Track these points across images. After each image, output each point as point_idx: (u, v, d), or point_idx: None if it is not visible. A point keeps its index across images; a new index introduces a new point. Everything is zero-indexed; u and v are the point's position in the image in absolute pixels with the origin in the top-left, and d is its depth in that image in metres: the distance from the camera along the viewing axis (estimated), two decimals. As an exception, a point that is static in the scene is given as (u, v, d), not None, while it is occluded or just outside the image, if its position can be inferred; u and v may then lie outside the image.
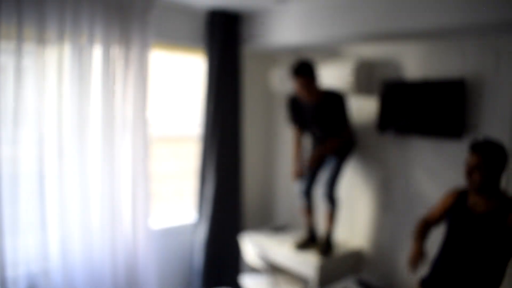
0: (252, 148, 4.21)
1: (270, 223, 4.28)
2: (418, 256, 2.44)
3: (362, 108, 3.50)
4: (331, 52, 3.72)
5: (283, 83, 3.81)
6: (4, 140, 2.75)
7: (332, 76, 3.39)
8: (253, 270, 3.84)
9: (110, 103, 3.17)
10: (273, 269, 3.50)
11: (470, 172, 2.23)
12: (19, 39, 2.71)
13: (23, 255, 2.86)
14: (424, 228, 2.54)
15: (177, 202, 3.97)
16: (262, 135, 4.36)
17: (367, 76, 3.38)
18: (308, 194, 3.44)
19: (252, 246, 3.60)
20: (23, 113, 2.80)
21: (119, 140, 3.24)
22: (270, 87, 4.08)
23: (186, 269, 3.87)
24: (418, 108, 3.07)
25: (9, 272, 2.79)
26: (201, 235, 3.77)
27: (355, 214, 3.61)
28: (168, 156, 3.88)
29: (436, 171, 3.09)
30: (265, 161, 4.40)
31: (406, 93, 3.15)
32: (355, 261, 3.52)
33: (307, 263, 3.26)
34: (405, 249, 3.21)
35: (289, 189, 4.16)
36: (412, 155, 3.23)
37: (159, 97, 3.65)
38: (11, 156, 2.79)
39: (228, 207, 3.85)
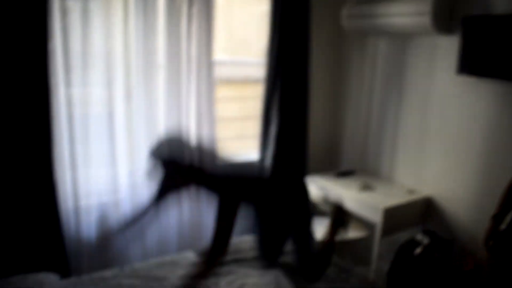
0: (319, 90, 4.04)
1: (335, 168, 4.19)
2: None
3: (441, 49, 3.19)
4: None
5: (354, 21, 3.55)
6: (75, 82, 2.89)
7: (407, 12, 3.09)
8: (317, 214, 3.84)
9: (176, 44, 3.18)
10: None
11: None
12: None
13: (95, 187, 3.09)
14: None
15: (240, 146, 3.98)
16: (330, 76, 4.16)
17: (447, 11, 3.03)
18: None
19: (317, 190, 3.57)
20: (91, 56, 2.91)
21: (185, 81, 3.27)
22: (340, 25, 3.83)
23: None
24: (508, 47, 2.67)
25: (83, 202, 3.04)
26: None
27: (426, 160, 3.40)
28: (231, 98, 3.86)
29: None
30: (333, 105, 4.23)
31: (494, 29, 2.74)
32: (422, 209, 3.36)
33: (372, 208, 3.19)
34: (477, 203, 3.02)
35: (356, 133, 4.02)
36: (494, 100, 2.91)
37: (224, 37, 3.58)
38: (82, 97, 2.95)
39: (292, 149, 3.80)
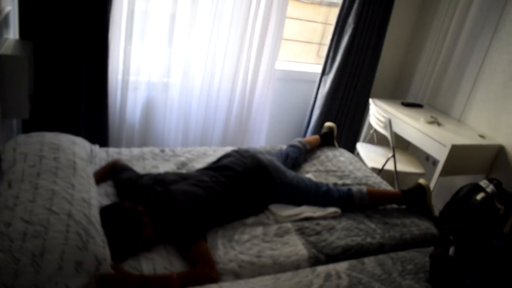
0: (400, 14, 3.62)
1: (401, 99, 3.84)
2: None
3: None
4: None
5: None
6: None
7: None
8: (372, 139, 3.58)
9: None
10: (396, 143, 3.18)
11: None
12: None
13: (147, 65, 2.91)
14: None
15: (306, 53, 3.69)
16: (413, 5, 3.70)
17: None
18: None
19: (378, 114, 3.28)
20: None
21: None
22: None
23: (298, 123, 3.74)
24: None
25: (132, 77, 2.88)
26: (325, 88, 3.51)
27: (506, 109, 3.00)
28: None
29: None
30: (412, 31, 3.79)
31: None
32: (491, 157, 3.03)
33: (438, 143, 2.90)
34: None
35: (432, 66, 3.61)
36: None
37: None
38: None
39: (360, 64, 3.48)
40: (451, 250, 1.68)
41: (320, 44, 3.79)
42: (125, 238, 1.58)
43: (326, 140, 2.94)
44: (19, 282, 1.25)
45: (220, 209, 1.87)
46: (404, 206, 2.37)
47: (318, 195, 2.18)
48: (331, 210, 2.14)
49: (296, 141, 2.72)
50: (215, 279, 1.58)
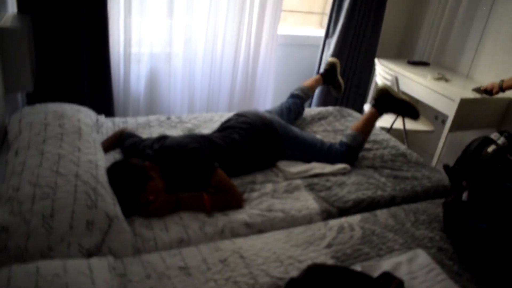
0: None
1: (408, 57, 3.77)
2: None
3: None
4: None
5: None
6: None
7: None
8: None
9: None
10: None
11: None
12: None
13: (148, 36, 2.88)
14: None
15: (309, 25, 3.63)
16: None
17: None
18: None
19: (384, 73, 3.23)
20: None
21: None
22: None
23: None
24: None
25: (134, 49, 2.85)
26: (329, 51, 3.45)
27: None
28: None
29: None
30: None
31: None
32: (501, 111, 2.98)
33: (447, 98, 2.85)
34: None
35: (437, 24, 3.53)
36: None
37: None
38: None
39: (364, 24, 3.41)
40: (464, 195, 1.66)
41: (322, 14, 3.71)
42: (130, 192, 1.58)
43: (329, 78, 2.83)
44: (31, 243, 1.25)
45: (225, 163, 1.87)
46: None
47: (324, 150, 2.17)
48: (341, 166, 2.12)
49: (296, 90, 2.68)
50: (240, 205, 1.73)
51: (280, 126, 2.14)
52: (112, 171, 1.63)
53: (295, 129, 2.20)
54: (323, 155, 2.16)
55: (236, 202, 1.72)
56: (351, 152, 2.20)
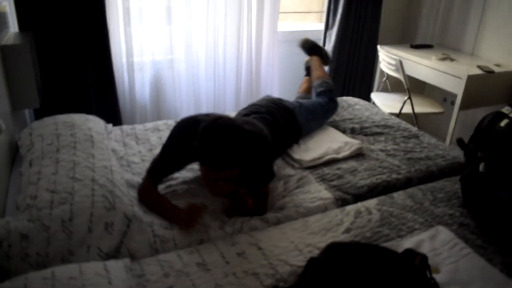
0: None
1: (410, 42, 3.75)
2: None
3: None
4: None
5: None
6: None
7: None
8: (386, 87, 3.51)
9: None
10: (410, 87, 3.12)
11: None
12: None
13: (149, 44, 2.89)
14: None
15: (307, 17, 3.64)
16: None
17: None
18: None
19: (388, 58, 3.21)
20: None
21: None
22: None
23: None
24: None
25: (136, 58, 2.87)
26: (331, 43, 3.45)
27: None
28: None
29: None
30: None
31: None
32: (508, 85, 2.95)
33: (454, 77, 2.83)
34: None
35: (438, 5, 3.50)
36: None
37: None
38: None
39: (363, 12, 3.40)
40: (481, 166, 1.64)
41: (321, 12, 3.70)
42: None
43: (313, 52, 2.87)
44: (52, 248, 1.26)
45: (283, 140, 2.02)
46: None
47: (323, 105, 2.37)
48: (354, 147, 2.10)
49: (298, 98, 2.68)
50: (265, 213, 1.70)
51: (285, 101, 2.23)
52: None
53: (295, 101, 2.35)
54: (324, 112, 2.37)
55: (264, 212, 1.70)
56: (333, 93, 2.45)
